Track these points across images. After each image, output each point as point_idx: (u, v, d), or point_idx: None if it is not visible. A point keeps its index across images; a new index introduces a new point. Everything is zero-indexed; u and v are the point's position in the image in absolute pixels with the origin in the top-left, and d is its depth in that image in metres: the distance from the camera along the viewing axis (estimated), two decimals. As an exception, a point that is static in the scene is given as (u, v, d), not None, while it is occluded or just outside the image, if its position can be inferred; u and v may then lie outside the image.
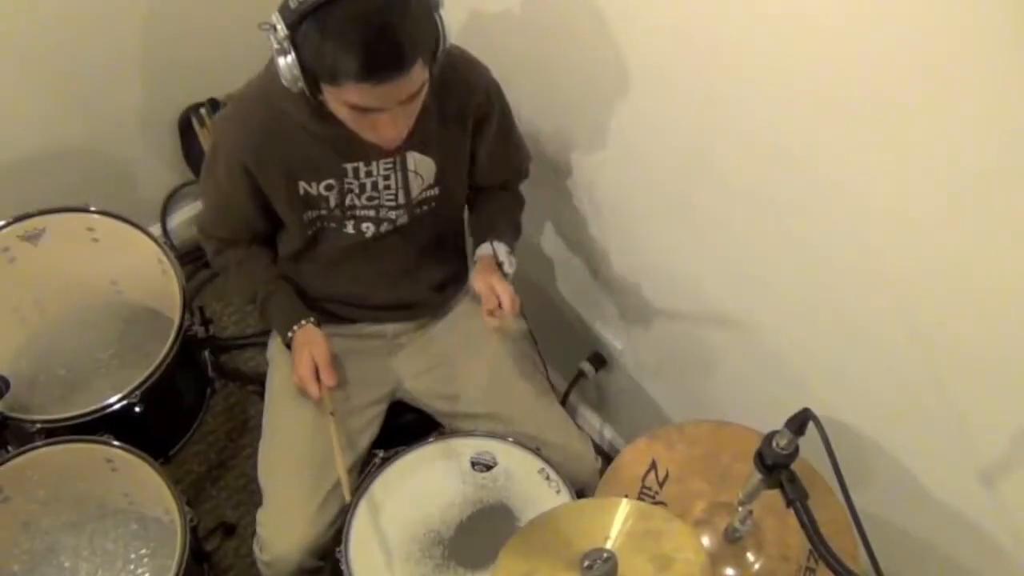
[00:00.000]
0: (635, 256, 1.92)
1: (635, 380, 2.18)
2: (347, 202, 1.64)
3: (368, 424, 1.81)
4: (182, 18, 2.30)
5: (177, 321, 1.90)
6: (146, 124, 2.45)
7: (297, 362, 1.71)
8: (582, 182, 1.91)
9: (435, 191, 1.69)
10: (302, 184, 1.60)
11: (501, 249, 1.75)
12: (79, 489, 1.86)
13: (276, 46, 1.33)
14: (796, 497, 1.09)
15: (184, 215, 2.72)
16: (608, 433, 2.45)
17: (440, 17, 1.37)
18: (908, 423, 1.50)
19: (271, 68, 1.48)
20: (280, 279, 1.79)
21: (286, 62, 1.33)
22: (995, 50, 1.05)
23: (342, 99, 1.37)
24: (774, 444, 1.11)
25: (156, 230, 2.64)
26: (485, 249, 1.76)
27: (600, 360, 2.24)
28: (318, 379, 1.69)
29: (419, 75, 1.37)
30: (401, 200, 1.66)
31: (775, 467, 1.12)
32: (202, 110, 2.43)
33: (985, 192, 1.15)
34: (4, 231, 1.94)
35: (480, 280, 1.71)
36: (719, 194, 1.59)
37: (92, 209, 2.00)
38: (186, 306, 1.94)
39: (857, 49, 1.19)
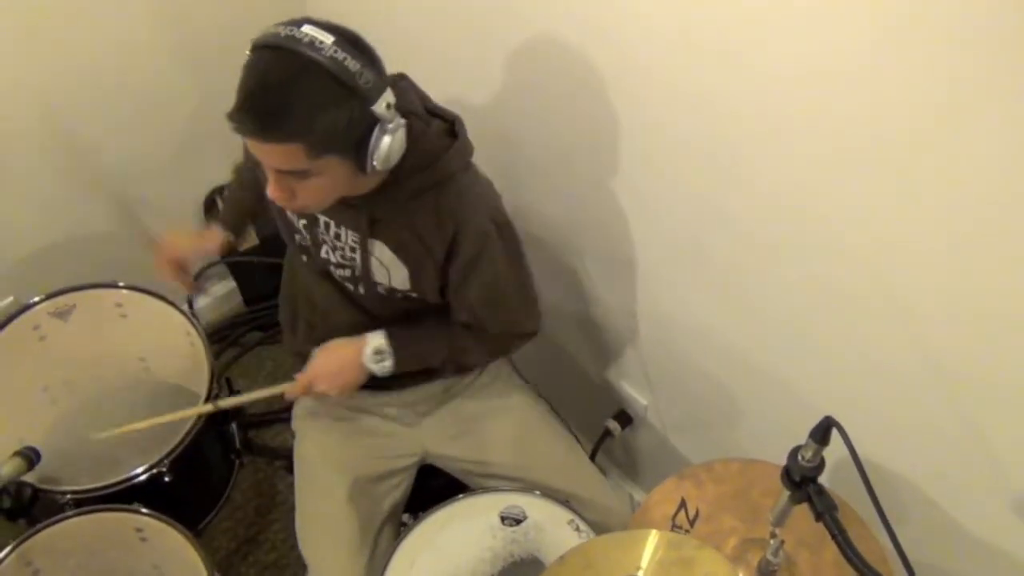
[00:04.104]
0: (655, 309, 1.93)
1: (662, 435, 2.16)
2: (321, 253, 1.65)
3: (397, 491, 1.83)
4: (205, 107, 2.39)
5: (205, 388, 1.92)
6: (174, 207, 2.53)
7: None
8: (597, 238, 1.94)
9: (412, 293, 1.66)
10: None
11: (379, 341, 1.66)
12: (109, 559, 1.85)
13: None
14: (825, 509, 1.08)
15: (210, 296, 2.78)
16: (638, 495, 2.42)
17: (376, 128, 1.32)
18: (935, 457, 1.48)
19: None
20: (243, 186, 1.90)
21: None
22: (996, 89, 1.07)
23: None
24: (800, 458, 1.11)
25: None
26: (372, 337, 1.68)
27: (626, 418, 2.22)
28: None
29: (290, 155, 1.29)
30: (359, 273, 1.63)
31: (803, 481, 1.12)
32: (226, 192, 2.49)
33: (993, 223, 1.17)
34: (36, 308, 1.99)
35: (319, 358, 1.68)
36: (733, 241, 1.61)
37: (121, 284, 2.05)
38: (214, 376, 1.96)
39: (862, 93, 1.22)
